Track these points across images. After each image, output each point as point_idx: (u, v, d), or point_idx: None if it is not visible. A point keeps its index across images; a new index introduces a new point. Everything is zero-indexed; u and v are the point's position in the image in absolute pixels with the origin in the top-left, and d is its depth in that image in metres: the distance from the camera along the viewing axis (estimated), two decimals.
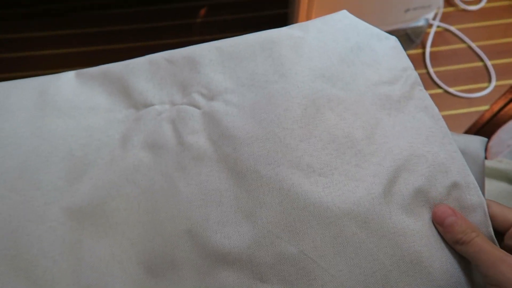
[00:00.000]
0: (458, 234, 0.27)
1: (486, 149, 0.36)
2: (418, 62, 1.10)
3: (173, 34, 1.15)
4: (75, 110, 0.35)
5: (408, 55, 0.36)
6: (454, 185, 0.30)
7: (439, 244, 0.28)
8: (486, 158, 0.37)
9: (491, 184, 0.48)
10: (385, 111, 0.33)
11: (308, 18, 0.88)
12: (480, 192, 0.29)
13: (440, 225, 0.28)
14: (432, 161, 0.30)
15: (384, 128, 0.32)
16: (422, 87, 0.34)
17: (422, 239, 0.28)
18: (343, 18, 0.38)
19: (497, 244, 0.28)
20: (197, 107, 0.34)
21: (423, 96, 0.33)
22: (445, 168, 0.30)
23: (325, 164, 0.30)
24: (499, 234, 0.29)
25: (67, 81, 0.36)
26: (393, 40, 0.37)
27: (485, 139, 0.37)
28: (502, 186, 0.48)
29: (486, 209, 0.29)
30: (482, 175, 0.35)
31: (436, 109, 0.33)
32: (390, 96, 0.33)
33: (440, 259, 0.28)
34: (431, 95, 0.34)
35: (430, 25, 1.13)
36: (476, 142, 0.36)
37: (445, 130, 0.32)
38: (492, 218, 0.29)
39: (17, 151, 0.32)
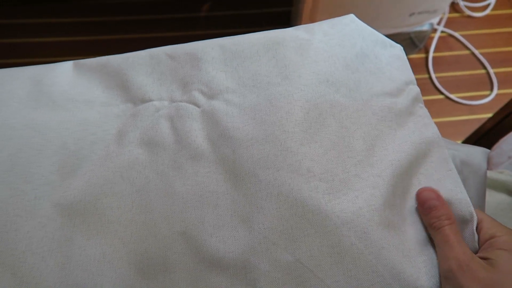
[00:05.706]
0: (432, 219, 0.28)
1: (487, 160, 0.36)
2: (421, 66, 1.09)
3: (176, 27, 1.14)
4: (70, 102, 0.34)
5: (411, 59, 0.36)
6: (447, 203, 0.29)
7: (436, 260, 0.28)
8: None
9: (490, 195, 0.48)
10: (386, 123, 0.32)
11: (312, 17, 0.87)
12: (471, 208, 0.29)
13: (421, 205, 0.29)
14: (426, 182, 0.30)
15: (385, 140, 0.32)
16: (422, 104, 0.34)
17: (419, 256, 0.28)
18: (350, 22, 0.37)
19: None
20: (197, 105, 0.33)
21: (423, 113, 0.33)
22: (439, 188, 0.30)
23: (325, 170, 0.30)
24: None
25: (63, 72, 0.35)
26: (398, 49, 0.37)
27: (487, 150, 0.36)
28: (502, 197, 0.47)
29: (475, 226, 0.29)
30: (484, 186, 0.35)
31: (435, 127, 0.33)
32: (391, 109, 0.33)
33: (437, 276, 0.27)
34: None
35: (434, 30, 1.12)
36: (478, 153, 0.36)
37: (443, 150, 0.32)
38: None
39: (8, 143, 0.31)
